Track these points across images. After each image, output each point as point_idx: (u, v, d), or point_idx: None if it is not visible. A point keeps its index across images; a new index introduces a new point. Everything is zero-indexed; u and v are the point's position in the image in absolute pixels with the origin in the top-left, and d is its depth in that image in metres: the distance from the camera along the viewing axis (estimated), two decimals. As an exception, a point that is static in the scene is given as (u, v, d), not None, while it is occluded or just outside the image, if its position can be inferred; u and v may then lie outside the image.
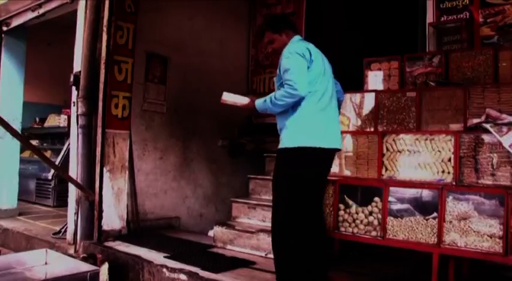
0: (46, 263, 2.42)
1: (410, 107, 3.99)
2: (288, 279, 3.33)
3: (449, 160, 3.50)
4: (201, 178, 6.60)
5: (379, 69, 4.57)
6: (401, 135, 3.79)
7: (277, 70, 3.41)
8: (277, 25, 3.52)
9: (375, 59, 4.59)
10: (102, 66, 5.06)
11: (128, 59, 5.22)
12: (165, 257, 4.34)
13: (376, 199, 3.69)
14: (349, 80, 6.18)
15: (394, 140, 3.82)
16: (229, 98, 3.54)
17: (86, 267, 2.25)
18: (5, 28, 7.01)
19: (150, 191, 5.84)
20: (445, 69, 4.18)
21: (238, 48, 7.35)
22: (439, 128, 3.79)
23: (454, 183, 3.44)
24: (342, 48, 7.19)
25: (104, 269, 3.40)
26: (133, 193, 5.53)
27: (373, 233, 3.65)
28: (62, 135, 8.74)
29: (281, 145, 3.36)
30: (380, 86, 4.47)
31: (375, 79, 4.57)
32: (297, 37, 3.53)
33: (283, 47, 3.37)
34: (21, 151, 7.53)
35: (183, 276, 3.85)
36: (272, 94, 3.29)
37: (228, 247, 4.76)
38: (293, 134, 3.29)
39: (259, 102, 3.39)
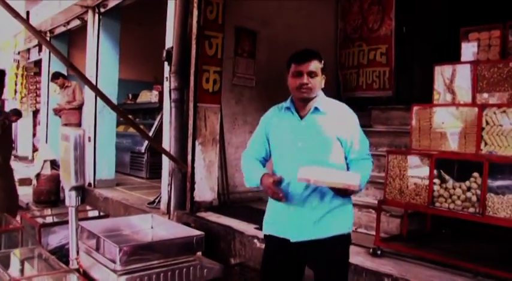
0: (152, 228, 2.54)
1: (515, 78, 3.74)
2: None
3: (559, 134, 3.25)
4: (289, 152, 6.61)
5: (478, 39, 4.29)
6: (503, 108, 3.56)
7: (315, 134, 2.54)
8: (324, 66, 2.60)
9: (473, 28, 4.30)
10: (193, 41, 5.18)
11: (218, 34, 5.31)
12: (255, 228, 4.42)
13: (475, 174, 3.50)
14: (440, 53, 5.94)
15: (495, 113, 3.60)
16: (314, 176, 2.30)
17: (191, 232, 2.34)
18: (102, 10, 7.39)
19: (240, 164, 5.93)
20: (555, 36, 3.87)
21: (326, 21, 7.24)
22: (546, 100, 3.53)
23: None
24: (434, 20, 6.89)
25: None
26: (223, 166, 5.68)
27: (471, 210, 3.48)
28: (153, 110, 9.10)
29: (343, 230, 2.61)
30: (474, 58, 4.20)
31: (471, 50, 4.30)
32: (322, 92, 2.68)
33: (312, 90, 2.51)
34: (116, 126, 7.96)
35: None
36: (363, 168, 2.54)
37: (317, 220, 4.76)
38: (351, 217, 2.73)
39: (362, 182, 2.40)
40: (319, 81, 2.51)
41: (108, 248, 2.07)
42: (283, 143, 2.58)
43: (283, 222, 2.56)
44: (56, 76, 8.55)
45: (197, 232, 2.29)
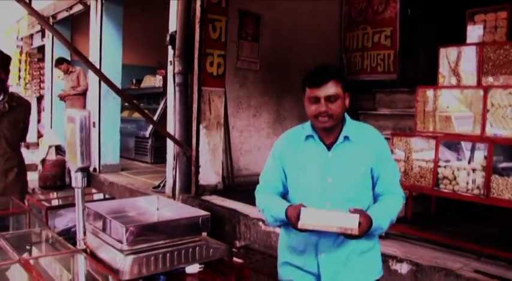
0: (158, 209, 2.56)
1: (521, 60, 3.72)
2: None
3: None
4: (294, 136, 6.63)
5: (484, 20, 4.24)
6: (509, 90, 3.55)
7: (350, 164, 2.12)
8: (346, 80, 2.15)
9: (479, 9, 4.26)
10: (197, 25, 5.16)
11: (222, 17, 5.28)
12: (260, 211, 4.44)
13: (480, 156, 3.52)
14: (445, 36, 5.90)
15: (500, 95, 3.59)
16: (314, 220, 1.92)
17: (197, 212, 2.35)
18: (104, -7, 7.34)
19: (244, 148, 5.99)
20: None
21: (330, 4, 7.19)
22: (553, 82, 3.51)
23: None
24: (439, 2, 6.84)
25: None
26: (228, 149, 5.70)
27: (476, 192, 3.49)
28: (157, 95, 9.11)
29: (374, 276, 2.24)
30: (480, 40, 4.17)
31: (476, 32, 4.26)
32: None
33: (334, 117, 2.07)
34: (120, 111, 7.97)
35: (278, 230, 3.94)
36: (386, 204, 2.13)
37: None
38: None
39: (381, 220, 2.04)
40: (341, 106, 2.07)
41: (115, 228, 2.09)
42: (308, 179, 2.14)
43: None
44: (59, 62, 8.55)
45: (203, 212, 2.29)
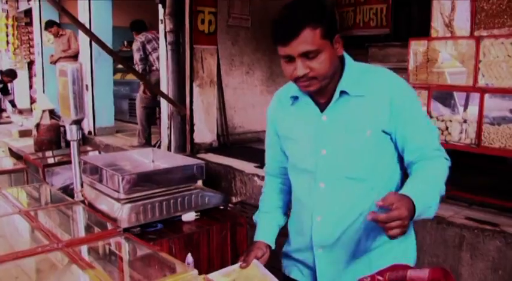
0: (153, 161, 2.59)
1: (514, 9, 3.70)
2: None
3: (557, 64, 3.25)
4: (288, 93, 6.63)
5: (477, -31, 4.20)
6: (501, 40, 3.54)
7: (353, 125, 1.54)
8: (331, 22, 1.45)
9: (472, -43, 4.21)
10: (187, -19, 5.08)
11: (212, -27, 5.21)
12: (255, 167, 4.50)
13: (472, 106, 3.55)
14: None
15: (492, 44, 3.59)
16: None
17: (191, 161, 2.39)
18: (92, -48, 7.17)
19: (238, 106, 6.00)
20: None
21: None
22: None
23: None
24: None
25: None
26: (222, 107, 5.71)
27: (467, 141, 3.54)
28: (149, 56, 9.01)
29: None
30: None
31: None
32: (349, 57, 1.60)
33: (319, 78, 1.46)
34: (113, 74, 7.92)
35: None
36: (427, 173, 1.47)
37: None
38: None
39: (427, 198, 1.37)
40: (327, 59, 1.44)
41: (112, 178, 2.12)
42: (299, 153, 1.64)
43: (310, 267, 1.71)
44: (49, 25, 8.41)
45: (197, 161, 2.33)
